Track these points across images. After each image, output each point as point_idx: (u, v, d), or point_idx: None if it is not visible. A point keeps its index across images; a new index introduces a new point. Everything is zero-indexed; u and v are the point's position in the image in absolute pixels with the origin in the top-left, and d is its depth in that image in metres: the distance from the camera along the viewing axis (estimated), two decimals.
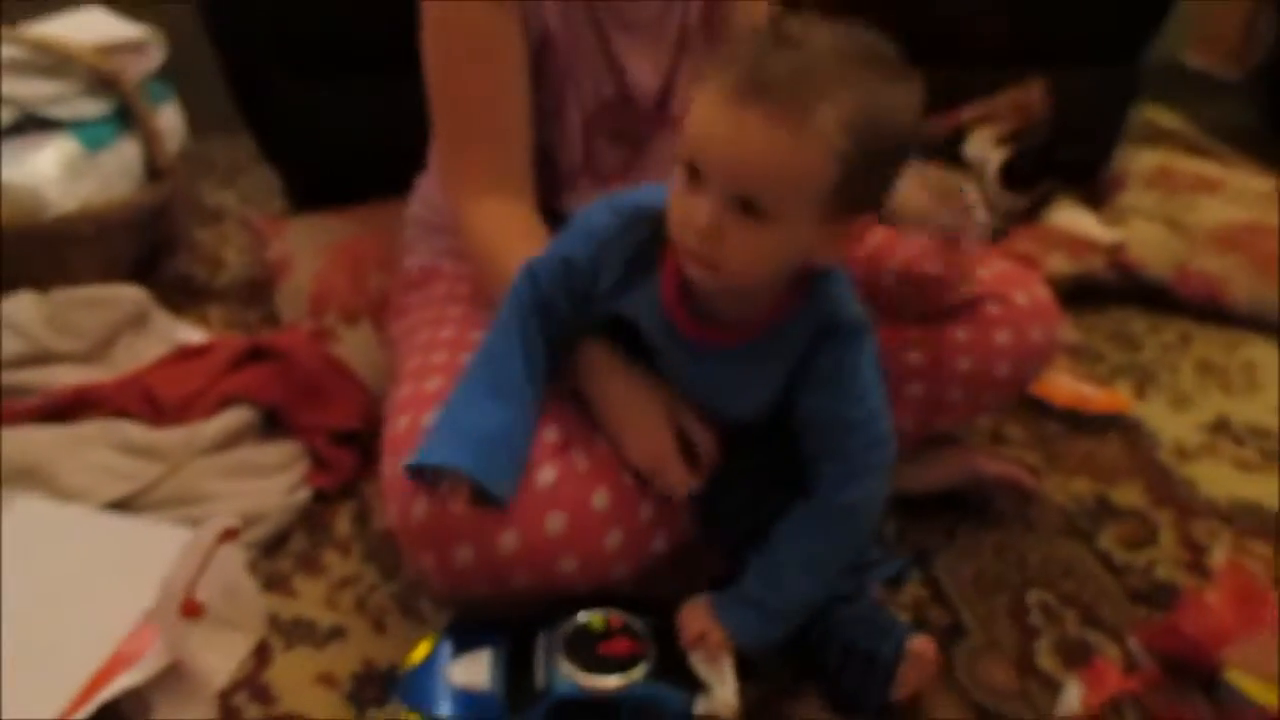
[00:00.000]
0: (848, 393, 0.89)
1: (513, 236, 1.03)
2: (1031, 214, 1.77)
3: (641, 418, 0.95)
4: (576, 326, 0.95)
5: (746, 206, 0.76)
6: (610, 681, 0.90)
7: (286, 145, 1.82)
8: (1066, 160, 1.80)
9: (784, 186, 0.75)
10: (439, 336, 1.08)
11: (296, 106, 1.72)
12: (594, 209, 0.93)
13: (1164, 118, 2.45)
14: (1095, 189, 1.93)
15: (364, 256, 1.55)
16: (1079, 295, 1.64)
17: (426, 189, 1.25)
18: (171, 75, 1.70)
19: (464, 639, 0.95)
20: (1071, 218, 1.74)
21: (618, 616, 0.95)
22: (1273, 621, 1.05)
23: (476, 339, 1.03)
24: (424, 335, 1.10)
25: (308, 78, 1.69)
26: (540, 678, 0.91)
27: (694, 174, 0.77)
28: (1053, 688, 1.01)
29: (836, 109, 0.73)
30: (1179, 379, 1.51)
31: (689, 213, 0.78)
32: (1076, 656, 1.04)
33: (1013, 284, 1.14)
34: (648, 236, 0.88)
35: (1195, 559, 1.18)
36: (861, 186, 0.77)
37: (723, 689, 0.90)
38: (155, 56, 1.60)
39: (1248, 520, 1.25)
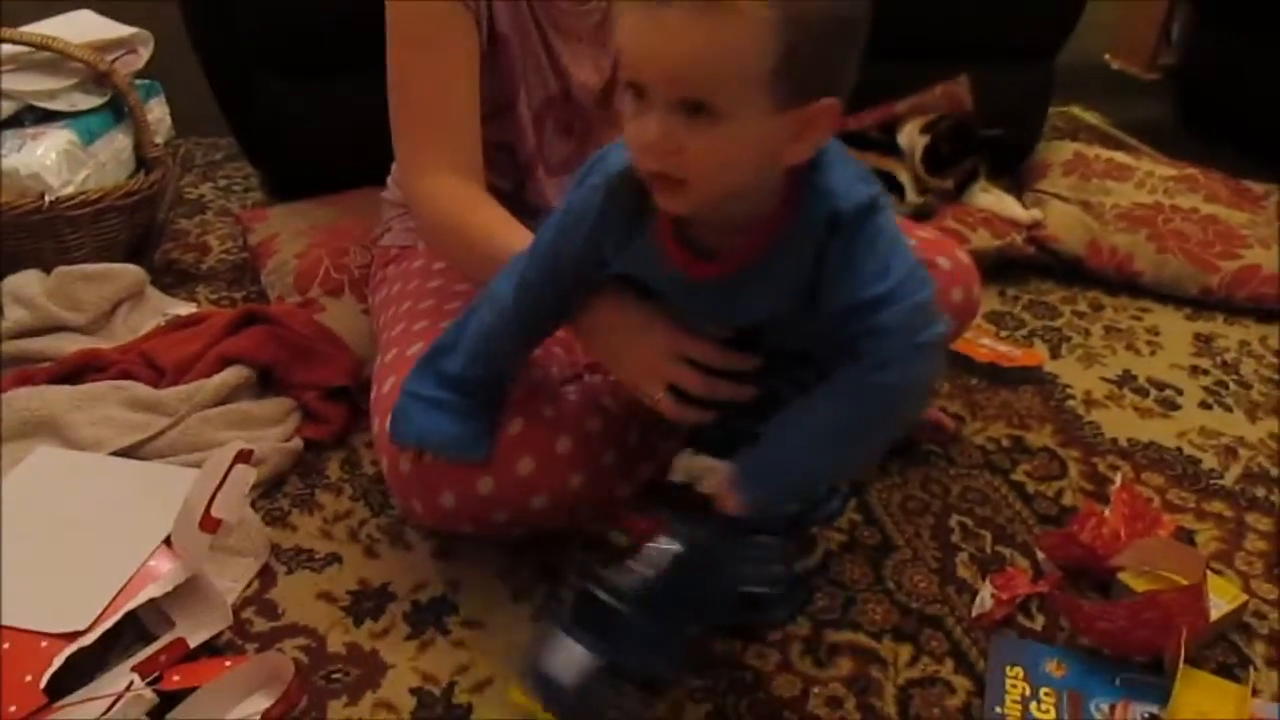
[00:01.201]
0: (866, 273, 0.81)
1: (468, 207, 1.12)
2: (958, 193, 1.91)
3: (634, 338, 0.98)
4: (583, 294, 0.99)
5: (694, 109, 0.73)
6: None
7: (265, 141, 1.94)
8: (989, 146, 1.94)
9: (723, 76, 0.71)
10: (419, 306, 1.20)
11: (275, 104, 1.83)
12: (575, 194, 0.91)
13: (1085, 115, 2.63)
14: (1017, 177, 2.10)
15: (344, 236, 1.67)
16: (1001, 268, 1.80)
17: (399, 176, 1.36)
18: (156, 73, 1.81)
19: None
20: (995, 199, 1.89)
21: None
22: (1158, 532, 1.21)
23: (455, 308, 1.15)
24: (405, 305, 1.22)
25: (286, 76, 1.80)
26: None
27: (638, 93, 0.75)
28: (970, 592, 1.14)
29: None
30: (1090, 340, 1.67)
31: (641, 133, 0.75)
32: (991, 567, 1.18)
33: (935, 250, 1.27)
34: (635, 192, 0.83)
35: (1098, 489, 1.32)
36: (806, 64, 0.72)
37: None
38: (144, 54, 1.71)
39: (1145, 456, 1.40)
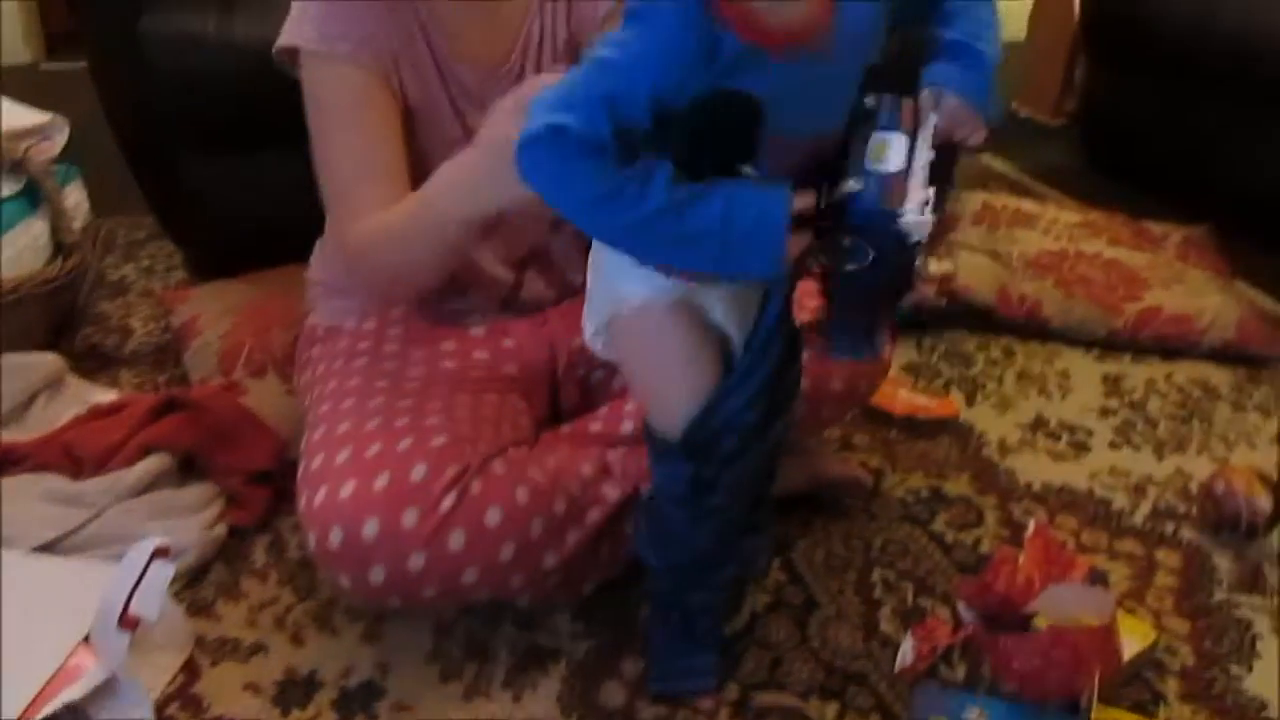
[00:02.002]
0: None
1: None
2: None
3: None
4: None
5: None
6: None
7: (187, 220, 1.94)
8: None
9: None
10: (346, 385, 1.20)
11: (195, 182, 1.83)
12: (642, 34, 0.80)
13: (994, 162, 2.72)
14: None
15: (268, 315, 1.67)
16: (916, 322, 1.85)
17: (326, 253, 1.37)
18: (73, 155, 1.81)
19: None
20: None
21: None
22: (1072, 574, 1.25)
23: (383, 387, 1.18)
24: (332, 384, 1.22)
25: (205, 154, 1.81)
26: None
27: None
28: (893, 646, 1.17)
29: None
30: (1004, 387, 1.72)
31: None
32: (913, 619, 1.21)
33: None
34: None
35: (1014, 534, 1.36)
36: None
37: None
38: (59, 140, 1.71)
39: (1058, 499, 1.44)
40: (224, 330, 1.65)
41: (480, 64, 1.22)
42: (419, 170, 1.20)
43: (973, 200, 2.21)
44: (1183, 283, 1.89)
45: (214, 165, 1.81)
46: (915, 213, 0.83)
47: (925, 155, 0.85)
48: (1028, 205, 2.18)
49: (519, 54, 1.24)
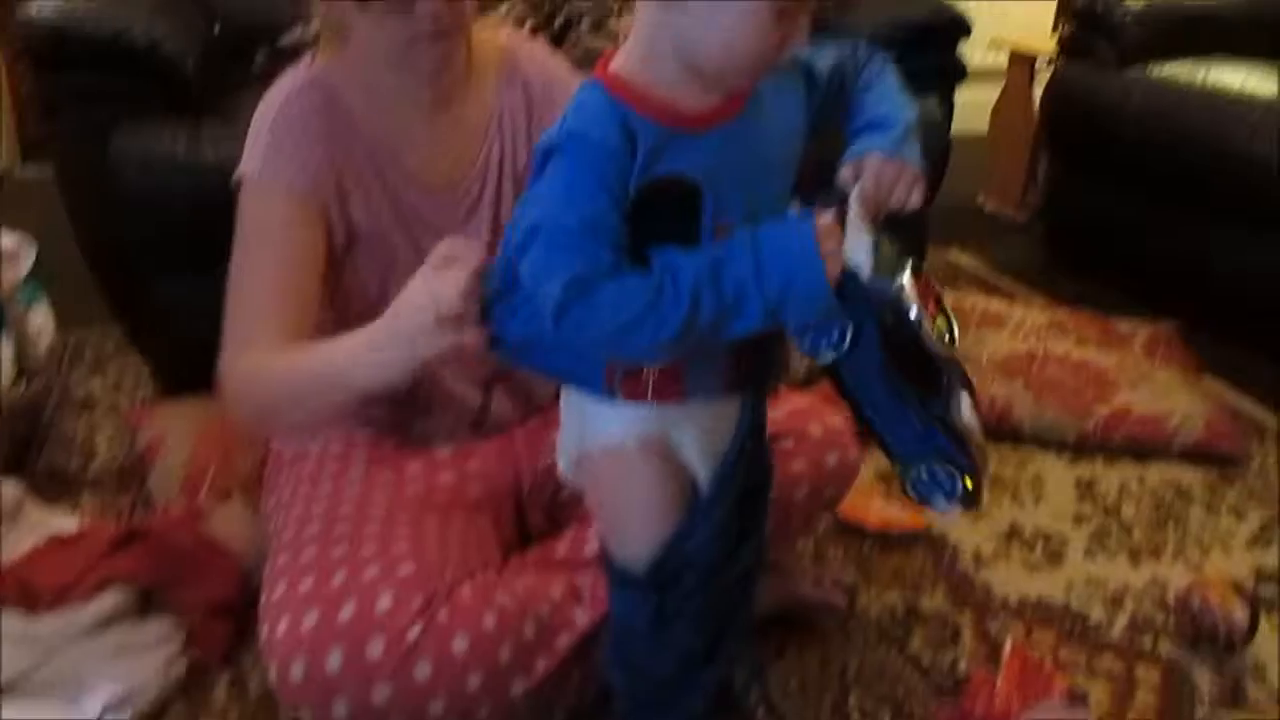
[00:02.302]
0: (822, 63, 0.93)
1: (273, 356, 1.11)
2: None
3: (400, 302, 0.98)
4: None
5: None
6: None
7: (153, 336, 1.92)
8: None
9: None
10: (311, 511, 1.18)
11: (162, 300, 1.82)
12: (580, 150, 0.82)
13: (962, 258, 2.75)
14: None
15: (234, 436, 1.65)
16: None
17: None
18: (40, 270, 1.80)
19: None
20: None
21: None
22: (1050, 695, 1.23)
23: (348, 513, 1.16)
24: (297, 510, 1.20)
25: (172, 272, 1.80)
26: None
27: (782, 14, 0.79)
28: None
29: None
30: None
31: (784, 43, 0.81)
32: None
33: (806, 418, 1.30)
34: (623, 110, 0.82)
35: (992, 652, 1.34)
36: None
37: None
38: (26, 262, 1.71)
39: (1035, 613, 1.43)
40: (189, 452, 1.62)
41: (435, 190, 1.22)
42: (373, 297, 1.20)
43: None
44: (1151, 382, 1.91)
45: (181, 283, 1.80)
46: (858, 244, 0.83)
47: (859, 229, 0.85)
48: (996, 305, 2.20)
49: (477, 179, 1.24)
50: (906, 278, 0.84)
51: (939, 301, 0.88)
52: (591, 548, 1.18)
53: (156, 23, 1.76)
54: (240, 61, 1.97)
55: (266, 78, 1.22)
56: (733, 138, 0.86)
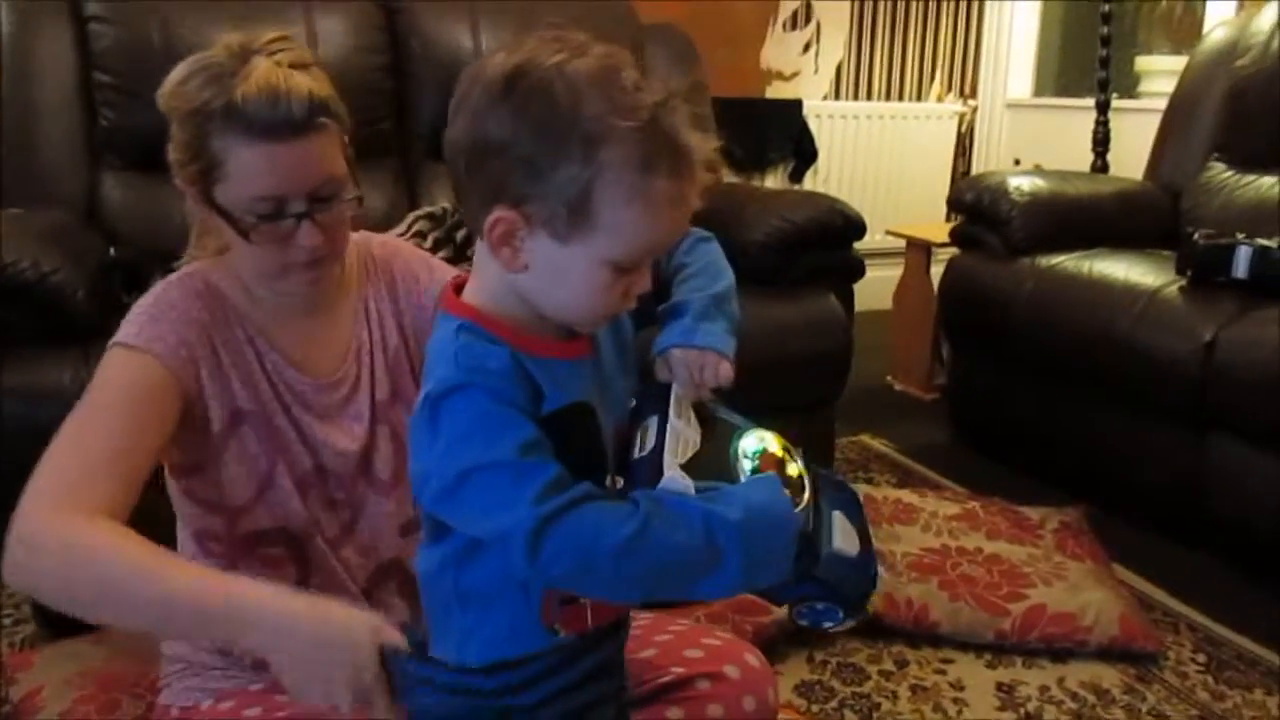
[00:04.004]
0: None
1: (80, 527, 0.99)
2: None
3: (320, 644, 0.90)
4: None
5: None
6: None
7: None
8: None
9: None
10: None
11: None
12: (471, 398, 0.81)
13: (874, 442, 2.78)
14: None
15: (117, 684, 1.55)
16: (807, 633, 1.81)
17: None
18: None
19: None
20: None
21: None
22: None
23: None
24: None
25: None
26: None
27: (623, 271, 0.81)
28: None
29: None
30: (899, 704, 1.68)
31: (628, 295, 0.84)
32: None
33: (723, 658, 1.26)
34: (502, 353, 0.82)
35: None
36: None
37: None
38: None
39: None
40: (67, 705, 1.52)
41: (310, 373, 1.21)
42: (260, 473, 1.17)
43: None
44: (1064, 578, 1.91)
45: None
46: (676, 480, 0.81)
47: (678, 423, 0.86)
48: (907, 497, 2.21)
49: (351, 363, 1.23)
50: (741, 451, 0.86)
51: (789, 450, 0.90)
52: None
53: (46, 252, 1.74)
54: (135, 287, 1.95)
55: None
56: (590, 363, 0.88)
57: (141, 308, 1.16)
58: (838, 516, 0.90)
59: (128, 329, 1.15)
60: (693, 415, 0.89)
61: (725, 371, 0.93)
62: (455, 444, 0.79)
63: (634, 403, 0.92)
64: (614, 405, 0.91)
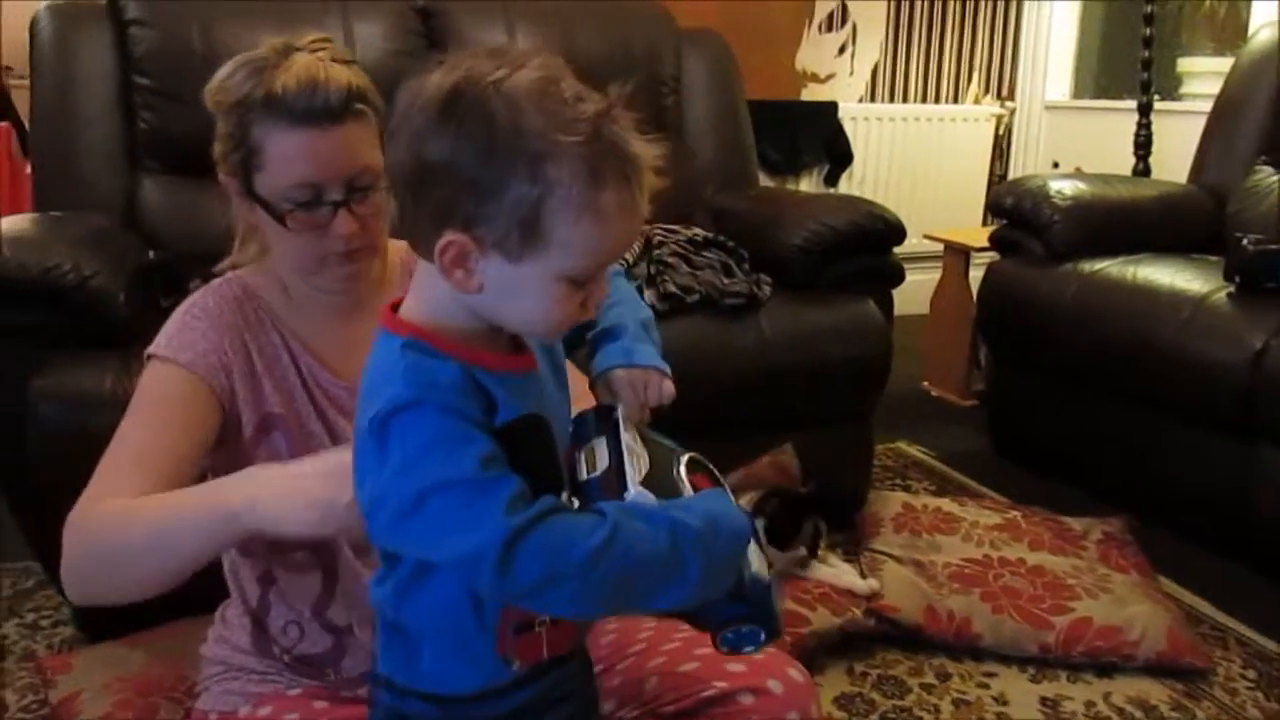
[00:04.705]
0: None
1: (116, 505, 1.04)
2: (811, 554, 1.92)
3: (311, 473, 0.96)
4: None
5: None
6: None
7: None
8: (820, 502, 1.98)
9: None
10: None
11: None
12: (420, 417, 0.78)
13: (911, 449, 2.75)
14: (853, 530, 2.15)
15: (154, 688, 1.55)
16: (846, 644, 1.79)
17: (227, 629, 1.27)
18: None
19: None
20: (832, 571, 1.91)
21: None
22: None
23: None
24: None
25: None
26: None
27: (579, 283, 0.80)
28: None
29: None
30: (940, 718, 1.65)
31: (587, 305, 0.82)
32: None
33: (766, 673, 1.24)
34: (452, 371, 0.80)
35: None
36: None
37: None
38: None
39: None
40: (105, 709, 1.51)
41: (346, 377, 1.20)
42: None
43: (893, 501, 2.21)
44: (1109, 591, 1.87)
45: None
46: (644, 496, 0.81)
47: (631, 442, 0.86)
48: (947, 506, 2.18)
49: None
50: (682, 470, 0.86)
51: (714, 474, 0.89)
52: None
53: (86, 256, 1.74)
54: (172, 290, 1.95)
55: None
56: (535, 377, 0.87)
57: (174, 317, 1.18)
58: (750, 548, 0.88)
59: (159, 340, 1.16)
60: (637, 435, 0.89)
61: (668, 389, 0.97)
62: (410, 463, 0.76)
63: (572, 425, 0.90)
64: (561, 411, 0.91)
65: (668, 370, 0.99)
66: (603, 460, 0.84)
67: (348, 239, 1.12)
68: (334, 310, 1.21)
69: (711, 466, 0.90)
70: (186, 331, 1.16)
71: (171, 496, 1.04)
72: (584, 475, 0.84)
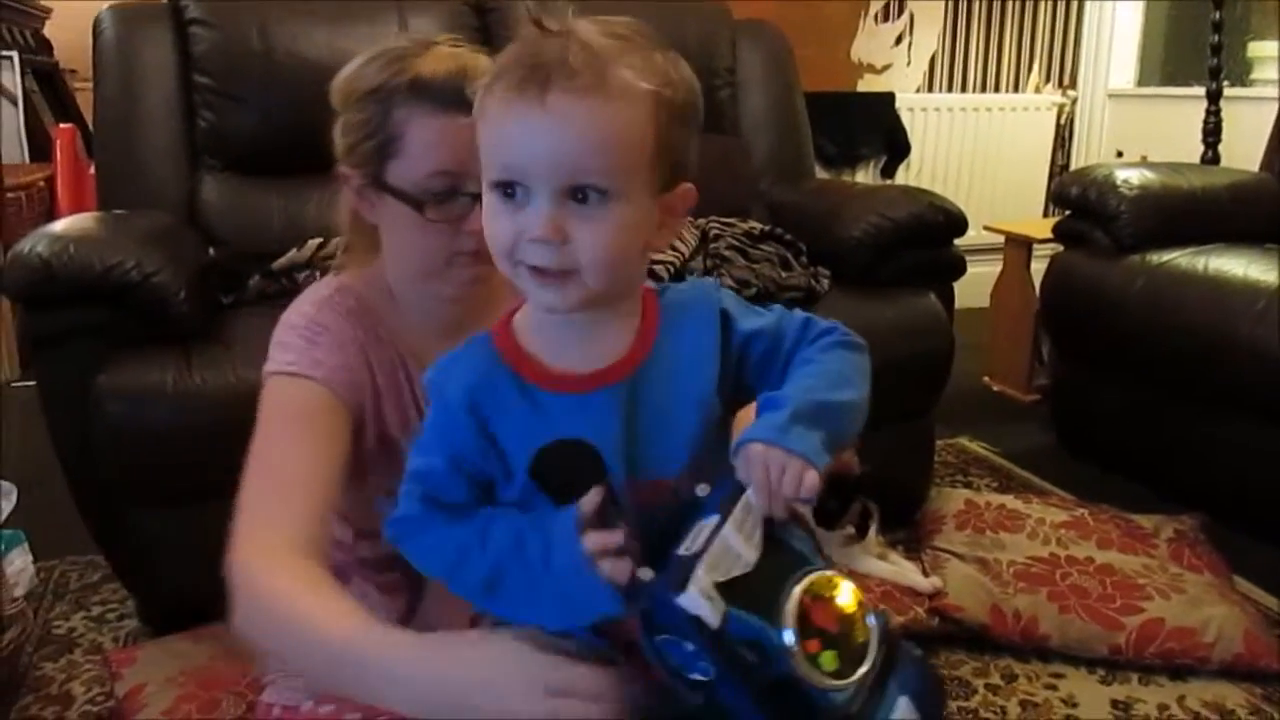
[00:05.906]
0: (747, 323, 0.85)
1: (300, 586, 0.97)
2: (860, 534, 1.89)
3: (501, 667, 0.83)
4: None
5: (582, 195, 0.75)
6: None
7: (137, 570, 1.86)
8: (869, 485, 1.93)
9: (615, 155, 0.75)
10: None
11: (145, 534, 1.76)
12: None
13: (973, 445, 2.70)
14: (914, 528, 2.11)
15: (217, 682, 1.56)
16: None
17: None
18: (28, 498, 1.74)
19: None
20: (893, 568, 1.88)
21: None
22: None
23: None
24: None
25: (156, 506, 1.75)
26: None
27: (508, 193, 0.77)
28: None
29: (631, 68, 0.75)
30: None
31: (520, 230, 0.76)
32: None
33: None
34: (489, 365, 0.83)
35: None
36: (675, 145, 0.78)
37: None
38: (5, 508, 1.65)
39: None
40: (168, 704, 1.53)
41: None
42: (387, 503, 1.13)
43: (955, 499, 2.16)
44: (1182, 591, 1.82)
45: (165, 517, 1.75)
46: (695, 598, 0.71)
47: (733, 536, 0.74)
48: (1011, 503, 2.13)
49: None
50: (795, 592, 0.73)
51: (864, 607, 0.76)
52: None
53: (148, 254, 1.75)
54: (234, 286, 1.97)
55: (260, 301, 1.19)
56: (626, 394, 0.82)
57: (293, 333, 1.13)
58: (903, 703, 0.76)
59: (283, 356, 1.12)
60: (759, 531, 0.76)
61: (810, 483, 0.76)
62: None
63: (706, 491, 0.79)
64: (649, 444, 0.81)
65: (819, 464, 0.76)
66: (701, 543, 0.74)
67: (480, 236, 1.10)
68: (444, 328, 1.16)
69: (865, 603, 0.77)
70: (312, 348, 1.12)
71: (349, 623, 0.93)
72: (681, 550, 0.75)
